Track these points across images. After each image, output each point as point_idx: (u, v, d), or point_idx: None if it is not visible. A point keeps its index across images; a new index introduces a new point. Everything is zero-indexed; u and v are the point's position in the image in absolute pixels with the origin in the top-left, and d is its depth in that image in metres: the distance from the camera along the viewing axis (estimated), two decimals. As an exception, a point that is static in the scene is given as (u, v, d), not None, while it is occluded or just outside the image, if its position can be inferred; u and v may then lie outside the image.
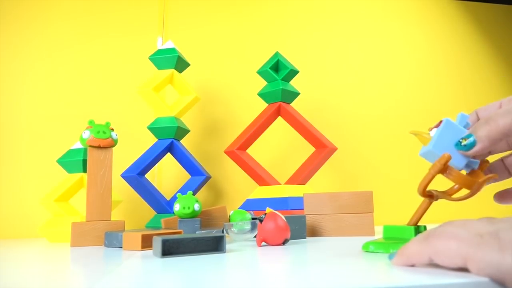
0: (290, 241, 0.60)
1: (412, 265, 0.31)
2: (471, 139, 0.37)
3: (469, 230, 0.29)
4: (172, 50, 0.96)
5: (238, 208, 0.88)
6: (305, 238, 0.65)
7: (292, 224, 0.63)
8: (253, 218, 0.70)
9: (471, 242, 0.27)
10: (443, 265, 0.29)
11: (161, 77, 0.95)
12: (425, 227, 0.44)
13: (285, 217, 0.62)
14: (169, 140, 0.94)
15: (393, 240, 0.43)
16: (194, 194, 0.94)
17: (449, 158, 0.37)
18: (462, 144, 0.38)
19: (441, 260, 0.29)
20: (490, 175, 0.38)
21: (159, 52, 0.97)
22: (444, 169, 0.37)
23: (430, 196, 0.41)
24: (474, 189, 0.38)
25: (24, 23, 1.11)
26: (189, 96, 0.97)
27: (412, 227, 0.43)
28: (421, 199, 0.42)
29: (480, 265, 0.26)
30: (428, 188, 0.40)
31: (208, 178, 0.98)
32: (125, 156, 1.02)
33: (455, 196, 0.40)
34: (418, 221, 0.43)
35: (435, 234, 0.30)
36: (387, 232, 0.45)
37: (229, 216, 0.73)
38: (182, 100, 0.98)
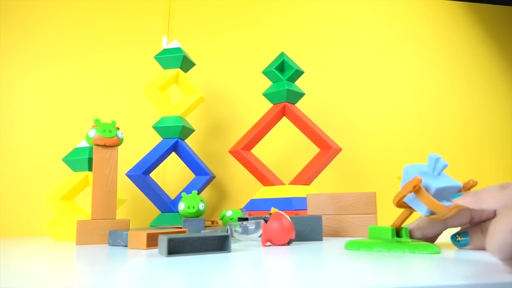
0: (304, 242, 0.60)
1: (481, 209, 0.32)
2: (465, 240, 0.43)
3: None
4: (178, 49, 0.96)
5: (241, 208, 0.89)
6: (321, 240, 0.62)
7: (304, 225, 0.62)
8: (240, 219, 0.70)
9: None
10: None
11: (166, 77, 0.96)
12: (406, 229, 0.46)
13: (300, 217, 0.62)
14: (174, 139, 0.94)
15: (376, 240, 0.45)
16: (198, 193, 0.94)
17: (419, 181, 0.38)
18: (457, 240, 0.43)
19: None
20: (458, 206, 0.38)
21: (165, 51, 0.97)
22: (416, 190, 0.39)
23: (409, 207, 0.44)
24: (442, 213, 0.39)
25: (32, 21, 1.12)
26: (194, 96, 0.98)
27: (390, 228, 0.45)
28: None
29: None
30: None
31: (212, 177, 0.99)
32: (130, 155, 1.02)
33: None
34: (399, 226, 0.46)
35: None
36: (371, 232, 0.48)
37: (220, 213, 0.75)
38: (187, 99, 0.98)
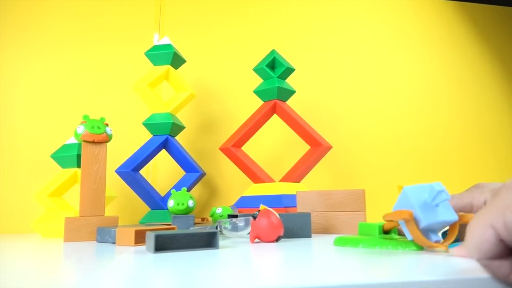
0: (292, 239, 0.60)
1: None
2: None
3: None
4: (168, 46, 0.96)
5: (231, 205, 0.89)
6: (310, 237, 0.61)
7: (293, 222, 0.61)
8: (230, 216, 0.70)
9: None
10: None
11: (157, 73, 0.95)
12: (394, 228, 0.47)
13: (289, 214, 0.62)
14: (164, 136, 0.94)
15: (363, 236, 0.46)
16: (189, 190, 0.94)
17: (410, 216, 0.38)
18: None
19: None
20: (437, 245, 0.38)
21: (155, 48, 0.96)
22: (406, 221, 0.39)
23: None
24: (421, 244, 0.39)
25: (22, 19, 1.11)
26: (185, 93, 0.97)
27: (378, 225, 0.46)
28: None
29: None
30: None
31: (202, 175, 0.98)
32: (120, 152, 1.02)
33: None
34: (389, 229, 0.47)
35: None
36: (361, 229, 0.49)
37: (210, 210, 0.75)
38: (177, 96, 0.98)
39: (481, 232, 0.26)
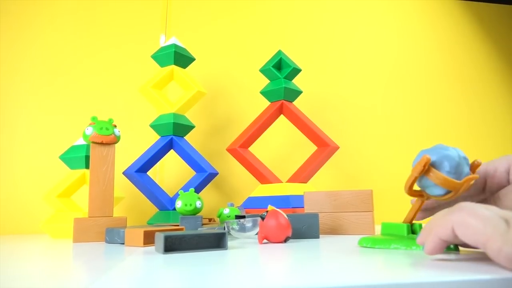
0: (300, 239, 0.59)
1: (439, 240, 0.31)
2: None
3: (493, 211, 0.29)
4: (170, 46, 0.95)
5: (239, 206, 0.89)
6: (318, 237, 0.61)
7: (301, 223, 0.61)
8: (237, 216, 0.69)
9: (496, 227, 0.28)
10: (463, 239, 0.29)
11: (161, 74, 0.95)
12: (420, 225, 0.45)
13: (297, 215, 0.62)
14: (169, 137, 0.94)
15: (390, 236, 0.44)
16: (198, 190, 0.94)
17: (429, 160, 0.37)
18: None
19: (462, 233, 0.29)
20: (470, 176, 0.38)
21: (160, 50, 0.97)
22: (427, 170, 0.38)
23: (420, 195, 0.43)
24: (456, 189, 0.38)
25: (28, 18, 1.12)
26: (191, 91, 0.97)
27: (405, 224, 0.44)
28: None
29: (500, 255, 0.27)
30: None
31: (211, 174, 0.97)
32: (130, 153, 1.02)
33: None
34: (412, 219, 0.45)
35: (461, 208, 0.30)
36: (385, 229, 0.47)
37: (218, 211, 0.75)
38: (183, 95, 0.98)
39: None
